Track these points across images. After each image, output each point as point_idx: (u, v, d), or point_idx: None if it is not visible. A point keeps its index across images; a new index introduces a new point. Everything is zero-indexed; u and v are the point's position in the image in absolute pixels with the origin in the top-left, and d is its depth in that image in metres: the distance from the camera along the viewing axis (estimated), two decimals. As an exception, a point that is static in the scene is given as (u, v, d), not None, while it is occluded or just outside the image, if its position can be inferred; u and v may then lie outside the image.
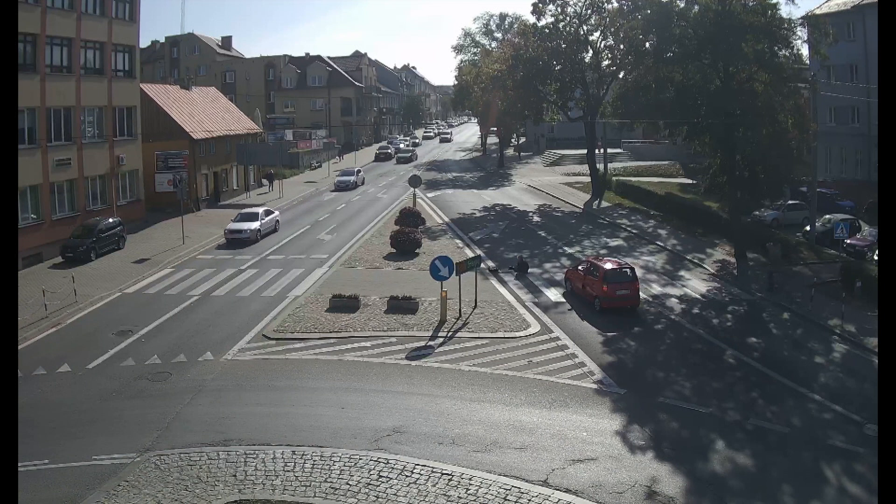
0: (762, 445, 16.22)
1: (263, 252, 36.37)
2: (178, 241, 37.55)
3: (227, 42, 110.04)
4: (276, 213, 42.71)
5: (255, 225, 39.09)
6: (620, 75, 48.34)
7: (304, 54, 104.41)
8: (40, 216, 34.09)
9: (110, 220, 36.64)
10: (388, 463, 15.38)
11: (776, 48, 30.75)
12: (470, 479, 14.69)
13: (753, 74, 30.80)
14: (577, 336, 23.43)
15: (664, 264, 33.07)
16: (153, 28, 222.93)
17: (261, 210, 41.28)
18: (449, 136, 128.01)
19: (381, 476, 14.89)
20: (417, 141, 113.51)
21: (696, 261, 33.18)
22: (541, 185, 60.46)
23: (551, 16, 50.20)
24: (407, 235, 35.66)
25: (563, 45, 49.81)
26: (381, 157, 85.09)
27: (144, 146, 43.26)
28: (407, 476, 14.88)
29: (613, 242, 37.95)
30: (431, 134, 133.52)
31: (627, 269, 26.47)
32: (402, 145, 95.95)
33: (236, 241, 37.93)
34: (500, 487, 14.40)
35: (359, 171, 62.33)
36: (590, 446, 16.18)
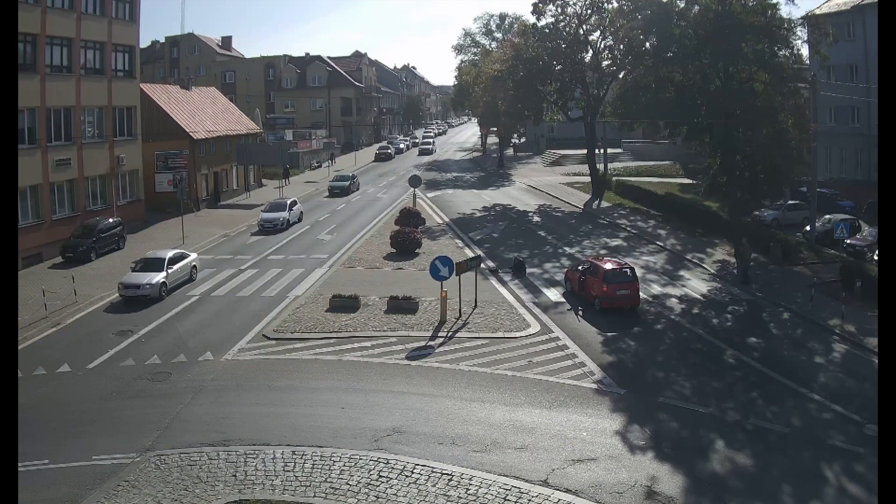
0: (762, 445, 16.22)
1: (263, 252, 36.37)
2: (178, 241, 37.48)
3: (227, 42, 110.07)
4: (193, 256, 32.03)
5: (158, 277, 28.17)
6: (620, 75, 48.35)
7: (304, 54, 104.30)
8: (40, 216, 34.08)
9: (110, 220, 36.68)
10: (388, 463, 15.38)
11: (776, 48, 30.86)
12: (470, 479, 14.69)
13: (753, 74, 30.85)
14: (577, 336, 23.43)
15: (664, 264, 33.05)
16: (153, 28, 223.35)
17: (170, 254, 29.88)
18: (430, 146, 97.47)
19: (381, 476, 14.90)
20: (417, 139, 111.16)
21: (696, 261, 33.18)
22: (541, 185, 60.45)
23: (551, 16, 50.31)
24: (407, 235, 35.63)
25: (563, 45, 49.88)
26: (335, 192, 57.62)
27: (144, 146, 43.29)
28: (407, 476, 14.89)
29: (613, 242, 37.93)
30: (425, 137, 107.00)
31: (627, 269, 26.45)
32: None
33: (132, 300, 27.68)
34: (500, 487, 14.40)
35: (293, 204, 44.78)
36: (590, 446, 16.18)
